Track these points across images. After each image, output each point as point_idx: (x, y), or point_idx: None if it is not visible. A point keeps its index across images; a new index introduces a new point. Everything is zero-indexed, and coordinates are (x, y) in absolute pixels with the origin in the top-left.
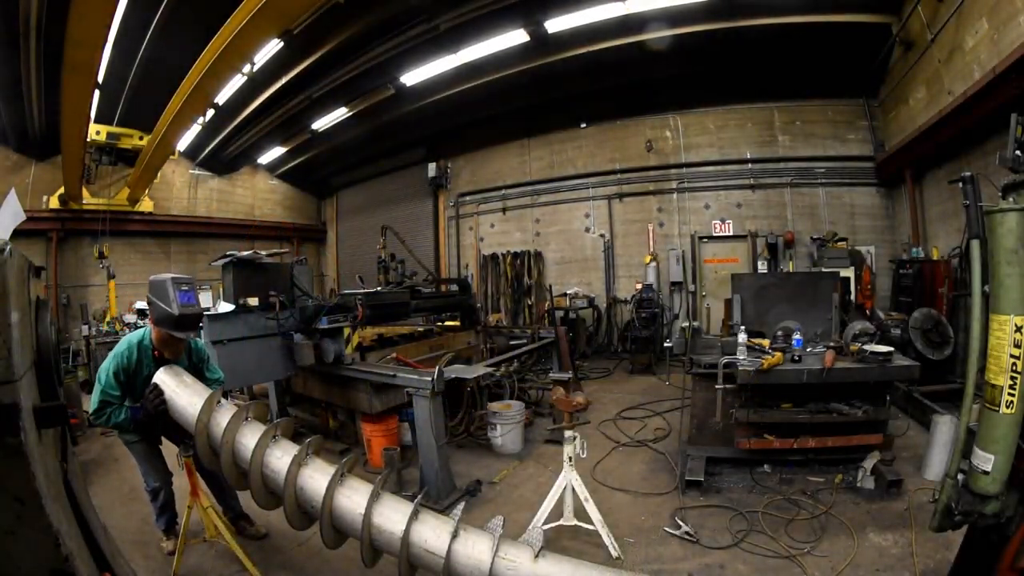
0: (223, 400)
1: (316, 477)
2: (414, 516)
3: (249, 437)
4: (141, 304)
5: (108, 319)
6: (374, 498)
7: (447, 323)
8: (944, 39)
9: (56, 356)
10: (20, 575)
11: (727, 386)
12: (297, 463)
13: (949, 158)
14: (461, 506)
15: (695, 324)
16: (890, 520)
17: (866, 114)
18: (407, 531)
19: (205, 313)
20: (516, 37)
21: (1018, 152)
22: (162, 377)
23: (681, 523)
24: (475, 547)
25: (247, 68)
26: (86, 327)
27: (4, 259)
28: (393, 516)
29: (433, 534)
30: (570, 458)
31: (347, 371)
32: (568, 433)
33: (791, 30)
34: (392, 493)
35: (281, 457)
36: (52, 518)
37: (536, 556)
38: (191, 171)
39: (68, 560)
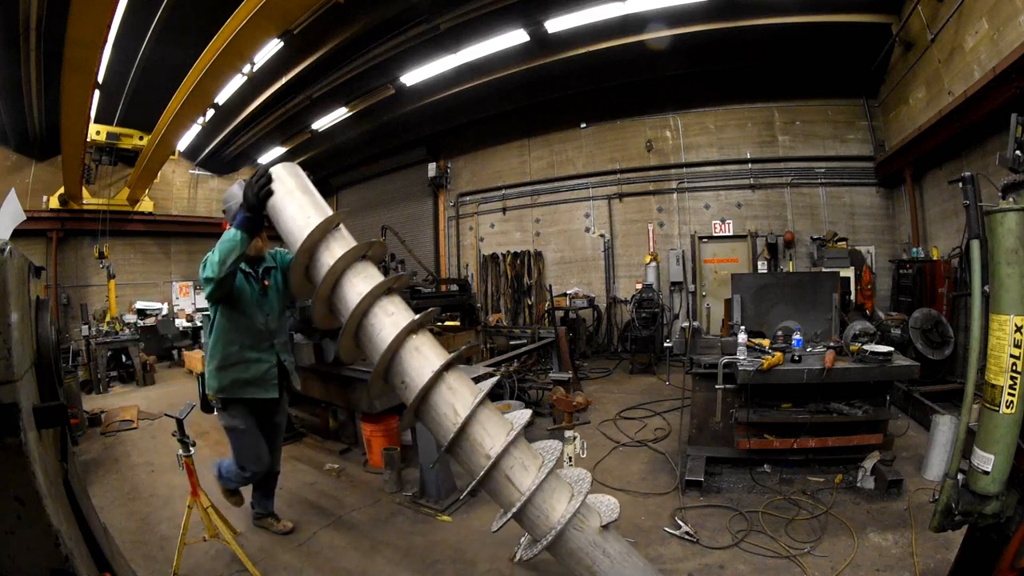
0: (342, 226)
1: (420, 358)
2: (513, 443)
3: (361, 280)
4: (141, 304)
5: (108, 319)
6: (480, 406)
7: (447, 323)
8: (944, 39)
9: (56, 356)
10: (20, 575)
11: (727, 386)
12: (408, 331)
13: (949, 158)
14: (574, 435)
15: (695, 324)
16: (890, 520)
17: (866, 114)
18: (503, 453)
19: (205, 314)
20: (516, 37)
21: (1018, 152)
22: (279, 172)
23: (681, 523)
24: (555, 494)
25: (247, 68)
26: (86, 327)
27: (4, 259)
28: (493, 431)
29: (521, 465)
30: (570, 458)
31: (347, 371)
32: (568, 433)
33: (791, 30)
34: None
35: (392, 314)
36: (52, 518)
37: (603, 526)
38: (191, 171)
39: (68, 560)
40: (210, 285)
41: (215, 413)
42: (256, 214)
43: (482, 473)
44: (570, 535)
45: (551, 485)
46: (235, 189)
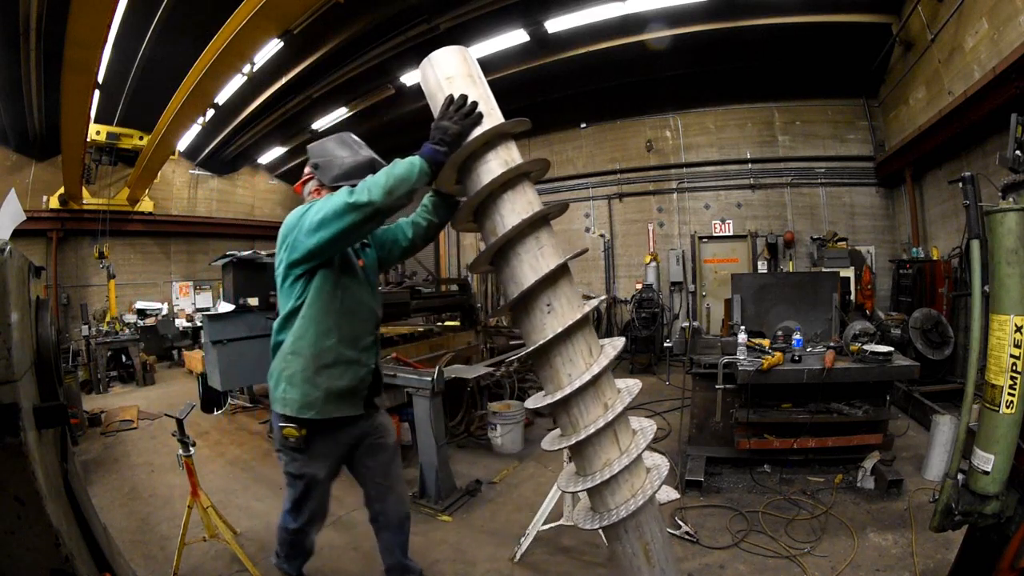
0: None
1: (571, 290)
2: (628, 402)
3: (531, 191)
4: (141, 304)
5: (108, 319)
6: (604, 372)
7: (447, 323)
8: (944, 39)
9: (56, 356)
10: (20, 575)
11: (727, 386)
12: (567, 261)
13: (949, 158)
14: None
15: (695, 324)
16: (890, 520)
17: (866, 114)
18: (623, 411)
19: (205, 314)
20: (516, 37)
21: (1018, 152)
22: (462, 54)
23: (681, 523)
24: (641, 463)
25: (247, 68)
26: (86, 327)
27: (4, 259)
28: (612, 386)
29: (626, 427)
30: (570, 458)
31: None
32: None
33: (791, 30)
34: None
35: (553, 236)
36: (52, 518)
37: (660, 505)
38: (191, 171)
39: (68, 560)
40: (360, 212)
41: (281, 453)
42: (454, 149)
43: (599, 425)
44: (645, 507)
45: (634, 468)
46: (330, 146)
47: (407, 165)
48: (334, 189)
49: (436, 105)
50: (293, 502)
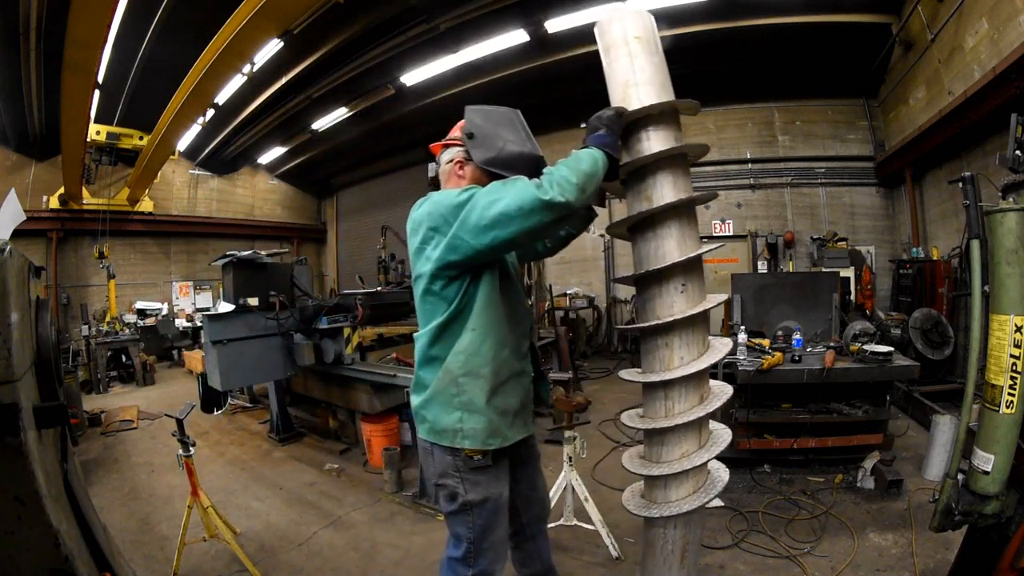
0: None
1: (701, 276)
2: (712, 413)
3: (688, 174)
4: (141, 304)
5: (108, 319)
6: (712, 366)
7: None
8: (944, 39)
9: (56, 356)
10: (20, 575)
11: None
12: (699, 293)
13: (949, 158)
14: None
15: None
16: (890, 520)
17: (866, 114)
18: (717, 408)
19: (205, 314)
20: (516, 37)
21: (1018, 152)
22: (640, 19)
23: None
24: (699, 473)
25: (247, 68)
26: (86, 327)
27: (4, 259)
28: (709, 380)
29: (707, 422)
30: (570, 458)
31: (347, 371)
32: (568, 433)
33: (792, 30)
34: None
35: (695, 236)
36: (52, 518)
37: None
38: (191, 171)
39: (68, 560)
40: (552, 213)
41: (456, 482)
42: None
43: (696, 415)
44: (701, 507)
45: (700, 469)
46: (496, 120)
47: (590, 158)
48: (482, 171)
49: (611, 59)
50: (473, 539)
